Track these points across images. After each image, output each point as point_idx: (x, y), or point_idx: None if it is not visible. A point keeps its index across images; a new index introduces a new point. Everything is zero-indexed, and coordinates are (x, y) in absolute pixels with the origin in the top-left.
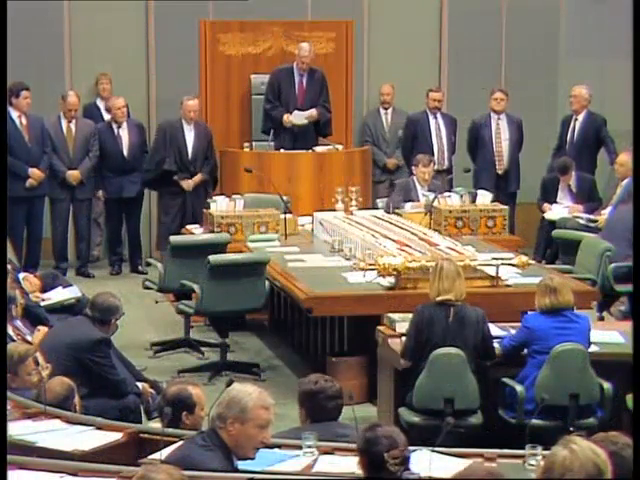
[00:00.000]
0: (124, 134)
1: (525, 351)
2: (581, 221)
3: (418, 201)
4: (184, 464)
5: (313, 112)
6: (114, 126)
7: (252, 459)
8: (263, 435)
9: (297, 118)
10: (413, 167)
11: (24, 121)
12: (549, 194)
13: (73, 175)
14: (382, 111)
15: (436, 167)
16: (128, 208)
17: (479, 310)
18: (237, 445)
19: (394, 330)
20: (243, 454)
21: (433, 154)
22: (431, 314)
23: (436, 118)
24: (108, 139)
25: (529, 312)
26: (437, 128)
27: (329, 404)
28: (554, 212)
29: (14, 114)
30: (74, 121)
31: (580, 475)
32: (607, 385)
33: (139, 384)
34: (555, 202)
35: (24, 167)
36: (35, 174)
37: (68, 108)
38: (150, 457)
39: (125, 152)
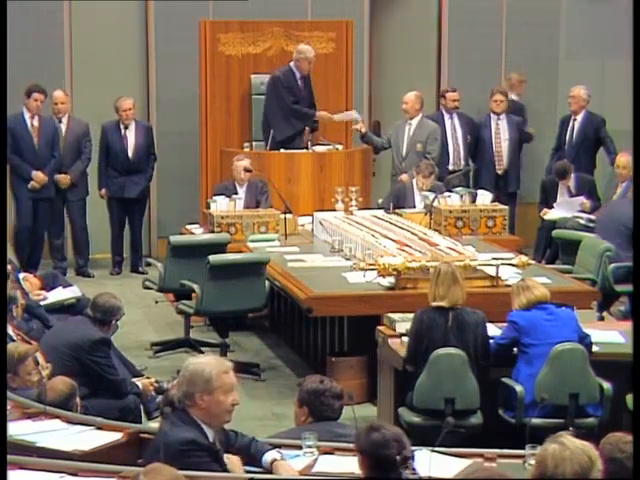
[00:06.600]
0: (130, 135)
1: (515, 350)
2: (581, 221)
3: (414, 206)
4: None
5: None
6: (121, 126)
7: (228, 422)
8: (232, 398)
9: (338, 117)
10: (414, 172)
11: (36, 123)
12: (549, 197)
13: (62, 179)
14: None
15: (452, 167)
16: (130, 209)
17: (479, 313)
18: (210, 416)
19: (394, 330)
20: (219, 422)
21: (448, 154)
22: (430, 319)
23: (452, 118)
24: (114, 138)
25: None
26: (452, 128)
27: (335, 403)
28: (557, 210)
29: (26, 115)
30: (65, 120)
31: (573, 465)
32: (607, 385)
33: (139, 383)
34: (555, 202)
35: (28, 169)
36: (38, 177)
37: (54, 102)
38: None
39: (130, 153)
